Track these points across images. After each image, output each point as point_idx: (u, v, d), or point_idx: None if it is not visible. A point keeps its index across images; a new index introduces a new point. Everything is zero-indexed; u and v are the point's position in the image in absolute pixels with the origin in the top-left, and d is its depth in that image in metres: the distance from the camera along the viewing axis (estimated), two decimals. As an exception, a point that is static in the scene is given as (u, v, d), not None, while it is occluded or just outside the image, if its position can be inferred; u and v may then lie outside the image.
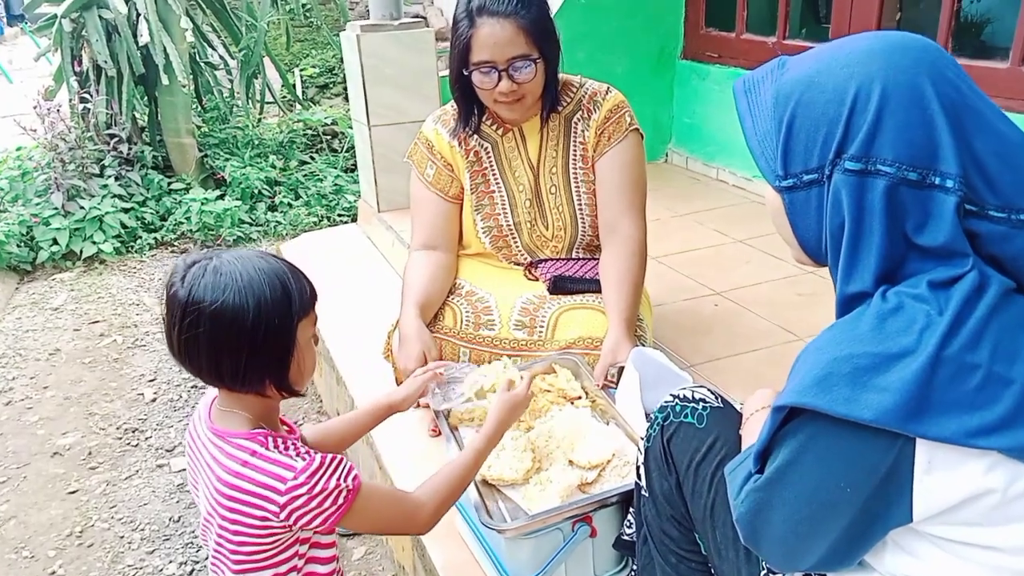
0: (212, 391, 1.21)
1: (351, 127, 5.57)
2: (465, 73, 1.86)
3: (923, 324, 0.83)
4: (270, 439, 1.12)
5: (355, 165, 5.35)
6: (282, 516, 1.08)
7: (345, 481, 1.11)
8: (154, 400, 2.97)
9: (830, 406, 0.84)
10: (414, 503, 1.22)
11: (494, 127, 2.03)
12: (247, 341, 1.07)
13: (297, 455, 1.11)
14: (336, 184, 5.08)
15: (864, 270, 0.91)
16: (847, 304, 0.94)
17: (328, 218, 4.87)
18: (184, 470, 2.54)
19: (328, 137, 5.76)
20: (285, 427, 1.25)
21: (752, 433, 1.17)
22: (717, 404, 1.27)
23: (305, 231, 4.57)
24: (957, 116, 0.86)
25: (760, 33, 3.56)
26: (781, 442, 0.92)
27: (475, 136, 2.03)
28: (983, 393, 0.81)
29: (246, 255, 1.12)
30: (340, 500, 1.10)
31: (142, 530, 2.28)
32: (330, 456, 1.12)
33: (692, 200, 3.55)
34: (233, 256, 1.11)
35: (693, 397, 1.28)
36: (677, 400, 1.29)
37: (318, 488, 1.08)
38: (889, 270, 0.90)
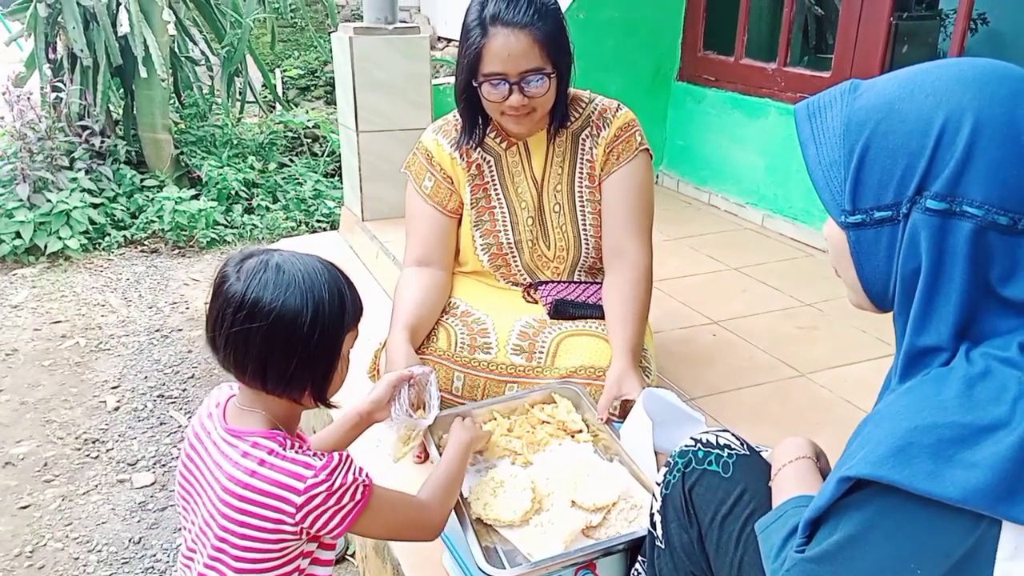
0: (220, 390, 1.17)
1: (333, 131, 5.46)
2: (474, 84, 1.76)
3: (1016, 392, 0.74)
4: (288, 440, 1.08)
5: (336, 170, 5.24)
6: (297, 517, 1.03)
7: (361, 476, 1.08)
8: (117, 409, 2.81)
9: (910, 482, 0.74)
10: (421, 503, 1.21)
11: (498, 140, 1.94)
12: (301, 345, 1.03)
13: (312, 454, 1.07)
14: (316, 189, 4.95)
15: (940, 322, 0.82)
16: (915, 359, 0.85)
17: (307, 224, 4.74)
18: (148, 486, 2.39)
19: (309, 140, 5.63)
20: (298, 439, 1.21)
21: (784, 488, 1.08)
22: (743, 451, 1.18)
23: (282, 236, 4.43)
24: None
25: (759, 59, 3.52)
26: (843, 513, 0.83)
27: (478, 149, 1.93)
28: None
29: (304, 256, 1.09)
30: (358, 495, 1.07)
31: (99, 551, 2.12)
32: (345, 454, 1.09)
33: (684, 224, 3.48)
34: (292, 255, 1.07)
35: (717, 443, 1.18)
36: (700, 445, 1.19)
37: (337, 483, 1.04)
38: (966, 323, 0.82)
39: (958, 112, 0.79)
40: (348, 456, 1.09)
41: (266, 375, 1.05)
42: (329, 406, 1.14)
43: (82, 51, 4.42)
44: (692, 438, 1.21)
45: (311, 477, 1.03)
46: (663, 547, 1.22)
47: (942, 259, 0.80)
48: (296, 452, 1.06)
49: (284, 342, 1.02)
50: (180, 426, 2.69)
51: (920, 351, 0.84)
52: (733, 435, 1.21)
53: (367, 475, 1.10)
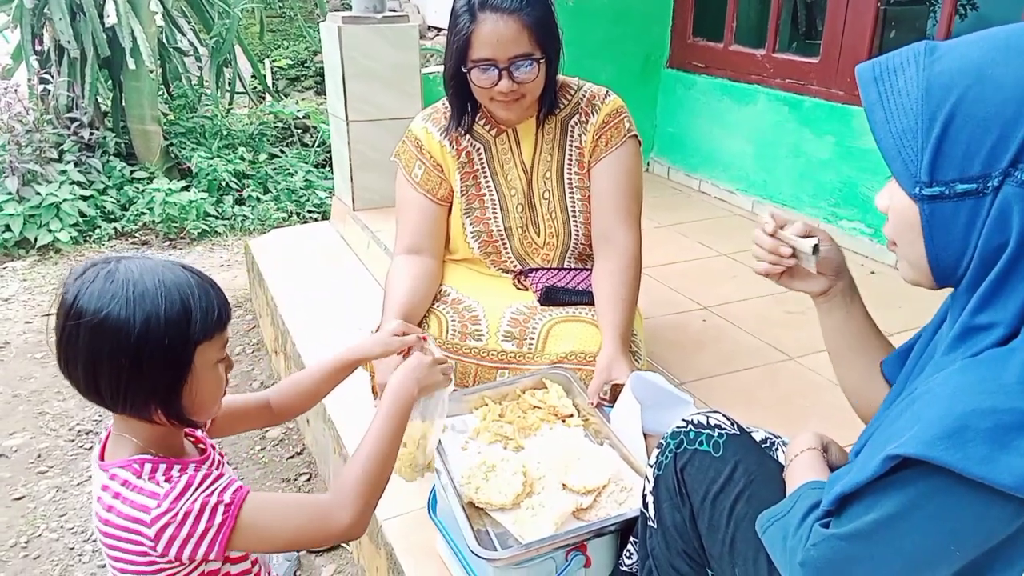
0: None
1: (323, 121, 5.45)
2: (463, 70, 1.76)
3: None
4: (147, 466, 1.00)
5: (326, 160, 5.23)
6: (159, 549, 0.97)
7: (220, 496, 0.99)
8: (110, 400, 2.81)
9: (962, 465, 0.72)
10: (324, 505, 1.06)
11: (487, 127, 1.94)
12: (128, 359, 0.95)
13: (167, 480, 0.99)
14: (307, 179, 4.95)
15: (1009, 301, 0.79)
16: (965, 335, 0.83)
17: (298, 214, 4.74)
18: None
19: (299, 131, 5.61)
20: (200, 445, 1.15)
21: (796, 477, 1.08)
22: (733, 431, 1.19)
23: (273, 227, 4.43)
24: None
25: (748, 45, 3.53)
26: (882, 492, 0.81)
27: (467, 136, 1.94)
28: None
29: (151, 263, 1.00)
30: (217, 517, 0.98)
31: (94, 541, 2.13)
32: (202, 475, 1.01)
33: (675, 211, 3.50)
34: (135, 264, 0.99)
35: (708, 423, 1.20)
36: (691, 426, 1.20)
37: (183, 511, 0.97)
38: None
39: None
40: (207, 477, 1.00)
41: (99, 391, 0.98)
42: (192, 426, 1.06)
43: (69, 43, 4.39)
44: (683, 419, 1.23)
45: (155, 508, 0.96)
46: (655, 527, 1.23)
47: None
48: (150, 480, 0.99)
49: (109, 355, 0.95)
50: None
51: (973, 328, 0.82)
52: (724, 416, 1.23)
53: (235, 491, 1.00)
